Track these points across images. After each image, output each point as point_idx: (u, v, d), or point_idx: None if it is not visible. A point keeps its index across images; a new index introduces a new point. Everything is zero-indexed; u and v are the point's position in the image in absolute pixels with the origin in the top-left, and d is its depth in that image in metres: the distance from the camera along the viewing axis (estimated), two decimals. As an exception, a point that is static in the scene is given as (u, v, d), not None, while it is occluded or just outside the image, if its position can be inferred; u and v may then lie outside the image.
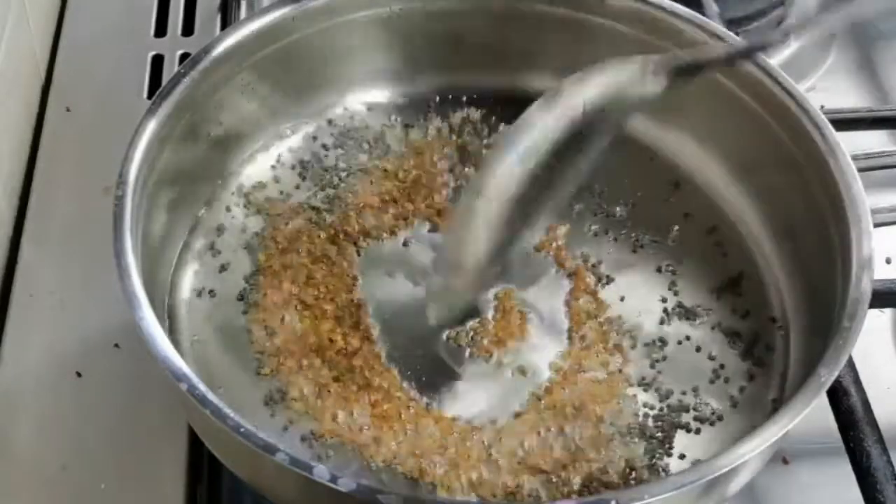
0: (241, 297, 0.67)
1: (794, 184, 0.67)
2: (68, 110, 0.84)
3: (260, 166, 0.74)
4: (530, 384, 0.64)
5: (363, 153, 0.75)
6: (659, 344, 0.67)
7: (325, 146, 0.75)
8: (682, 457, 0.62)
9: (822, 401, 0.61)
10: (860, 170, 0.64)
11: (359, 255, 0.70)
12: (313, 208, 0.72)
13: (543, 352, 0.66)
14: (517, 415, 0.63)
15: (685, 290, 0.69)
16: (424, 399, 0.63)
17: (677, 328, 0.68)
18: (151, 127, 0.63)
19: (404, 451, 0.61)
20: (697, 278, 0.70)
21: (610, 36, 0.74)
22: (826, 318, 0.59)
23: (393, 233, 0.71)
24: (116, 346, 0.69)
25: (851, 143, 0.66)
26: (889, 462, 0.61)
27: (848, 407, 0.63)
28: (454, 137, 0.76)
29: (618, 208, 0.73)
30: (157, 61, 0.87)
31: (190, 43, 0.89)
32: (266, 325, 0.66)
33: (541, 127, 0.60)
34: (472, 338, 0.66)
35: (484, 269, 0.62)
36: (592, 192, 0.74)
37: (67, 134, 0.82)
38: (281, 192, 0.73)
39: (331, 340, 0.65)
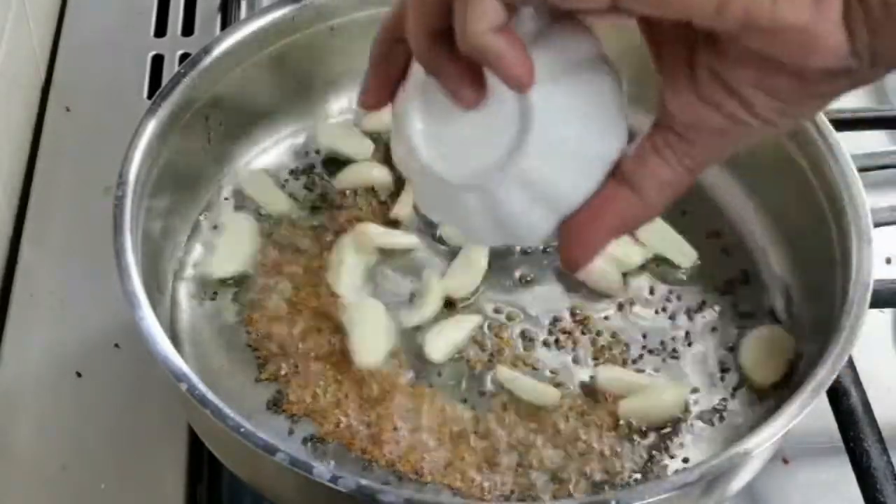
0: (240, 299, 0.67)
1: (794, 184, 0.67)
2: (68, 110, 0.84)
3: (260, 167, 0.74)
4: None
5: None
6: (658, 345, 0.67)
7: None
8: (685, 460, 0.62)
9: (822, 401, 0.61)
10: (860, 170, 0.64)
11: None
12: (313, 210, 0.72)
13: (542, 354, 0.66)
14: (518, 415, 0.63)
15: (684, 290, 0.69)
16: (426, 400, 0.63)
17: (677, 329, 0.68)
18: (151, 127, 0.63)
19: (406, 451, 0.61)
20: (696, 279, 0.70)
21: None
22: (826, 319, 0.59)
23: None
24: (116, 346, 0.69)
25: (851, 143, 0.66)
26: (889, 462, 0.61)
27: (848, 407, 0.63)
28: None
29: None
30: (157, 61, 0.87)
31: (190, 43, 0.89)
32: (264, 327, 0.66)
33: None
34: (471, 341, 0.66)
35: None
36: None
37: (67, 134, 0.82)
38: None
39: (329, 342, 0.65)
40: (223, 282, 0.68)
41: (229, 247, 0.69)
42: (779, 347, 0.65)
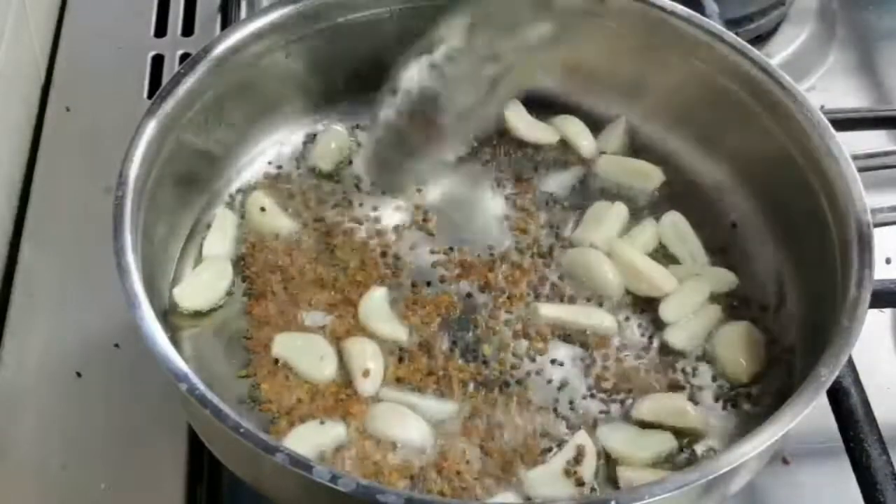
0: (238, 298, 0.67)
1: (794, 184, 0.67)
2: (68, 110, 0.84)
3: (259, 167, 0.74)
4: (528, 389, 0.64)
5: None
6: (655, 345, 0.67)
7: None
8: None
9: (822, 401, 0.61)
10: (860, 170, 0.64)
11: (355, 257, 0.70)
12: (310, 211, 0.72)
13: (541, 358, 0.66)
14: (517, 409, 0.63)
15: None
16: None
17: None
18: (151, 127, 0.63)
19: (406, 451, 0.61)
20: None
21: (610, 36, 0.74)
22: (826, 318, 0.59)
23: (387, 235, 0.71)
24: (116, 346, 0.69)
25: (851, 143, 0.66)
26: (889, 462, 0.61)
27: (848, 407, 0.63)
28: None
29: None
30: (157, 61, 0.88)
31: (190, 43, 0.89)
32: (262, 329, 0.66)
33: None
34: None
35: None
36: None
37: (67, 134, 0.82)
38: (279, 194, 0.73)
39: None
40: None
41: (201, 282, 0.67)
42: (753, 343, 0.66)
